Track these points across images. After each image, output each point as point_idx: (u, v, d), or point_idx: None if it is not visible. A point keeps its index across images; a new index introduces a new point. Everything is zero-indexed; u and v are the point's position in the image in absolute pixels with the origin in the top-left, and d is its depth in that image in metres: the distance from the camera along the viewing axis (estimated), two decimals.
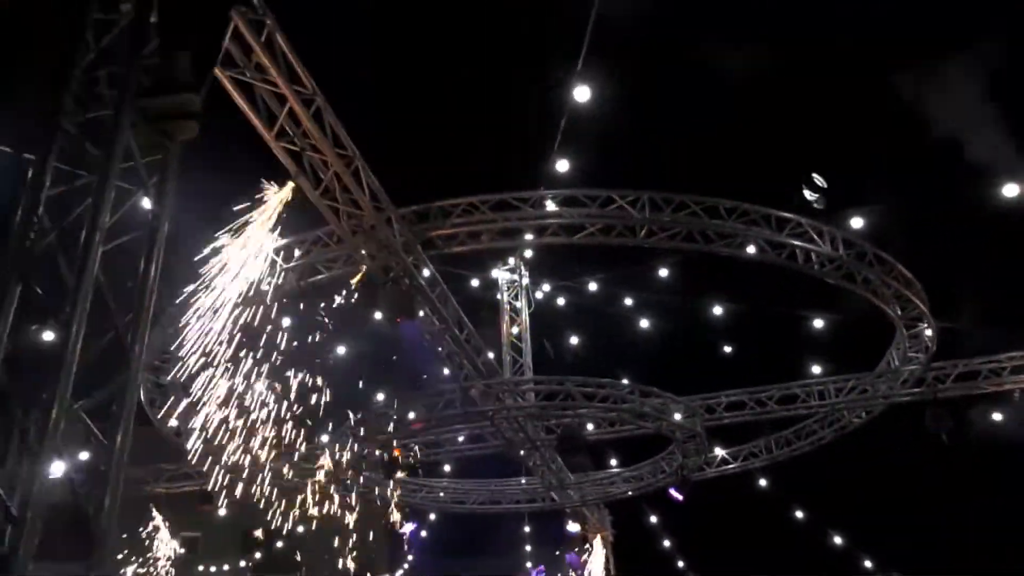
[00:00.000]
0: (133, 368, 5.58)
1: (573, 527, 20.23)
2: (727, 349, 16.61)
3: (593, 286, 16.11)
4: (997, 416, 15.75)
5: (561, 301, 17.46)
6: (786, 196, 11.76)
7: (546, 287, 17.17)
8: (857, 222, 11.59)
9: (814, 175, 11.72)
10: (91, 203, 5.17)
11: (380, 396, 15.46)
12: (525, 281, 17.23)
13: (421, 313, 12.85)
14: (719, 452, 19.64)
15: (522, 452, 17.04)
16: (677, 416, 14.99)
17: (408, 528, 19.07)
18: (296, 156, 8.78)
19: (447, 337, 12.78)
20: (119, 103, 5.00)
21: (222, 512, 20.43)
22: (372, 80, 9.93)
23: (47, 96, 5.08)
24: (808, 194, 11.81)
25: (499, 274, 17.12)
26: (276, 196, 8.35)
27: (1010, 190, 10.17)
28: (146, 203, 5.80)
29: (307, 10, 8.42)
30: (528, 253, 15.20)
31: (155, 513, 16.51)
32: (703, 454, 16.53)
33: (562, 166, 10.09)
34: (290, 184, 8.35)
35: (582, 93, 8.41)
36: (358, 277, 10.04)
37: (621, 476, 19.22)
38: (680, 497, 17.21)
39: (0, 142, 5.80)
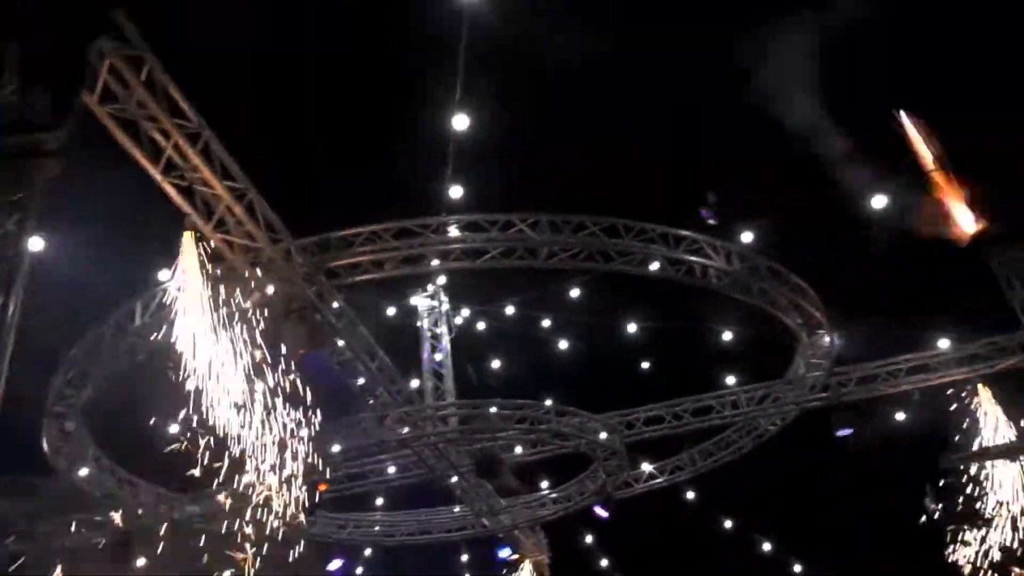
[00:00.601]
0: None
1: (505, 553, 20.23)
2: (643, 365, 17.01)
3: (511, 309, 16.38)
4: (898, 416, 16.46)
5: (481, 326, 17.65)
6: (681, 214, 12.22)
7: (465, 312, 17.33)
8: (748, 237, 12.10)
9: (708, 193, 12.26)
10: None
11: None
12: (445, 307, 17.37)
13: (339, 343, 12.91)
14: (646, 467, 19.97)
15: (451, 479, 17.06)
16: (603, 434, 15.28)
17: (336, 564, 18.81)
18: (186, 192, 8.80)
19: (360, 367, 12.80)
20: None
21: (142, 562, 19.82)
22: (262, 113, 10.01)
23: None
24: (703, 212, 12.34)
25: (418, 301, 17.23)
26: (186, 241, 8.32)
27: (878, 201, 10.81)
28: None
29: (192, 42, 8.49)
30: (442, 279, 15.35)
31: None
32: (625, 470, 16.82)
33: (456, 192, 10.33)
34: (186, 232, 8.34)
35: (461, 121, 8.68)
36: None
37: (549, 498, 19.36)
38: (606, 514, 17.44)
39: None
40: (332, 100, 10.33)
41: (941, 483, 14.34)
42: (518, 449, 17.71)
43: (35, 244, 7.50)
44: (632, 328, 16.54)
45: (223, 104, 8.39)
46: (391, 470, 17.85)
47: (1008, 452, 13.73)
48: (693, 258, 12.32)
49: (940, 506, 13.84)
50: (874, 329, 15.11)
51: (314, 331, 10.42)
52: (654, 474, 19.96)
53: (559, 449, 16.97)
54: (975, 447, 14.40)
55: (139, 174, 8.28)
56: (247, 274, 10.29)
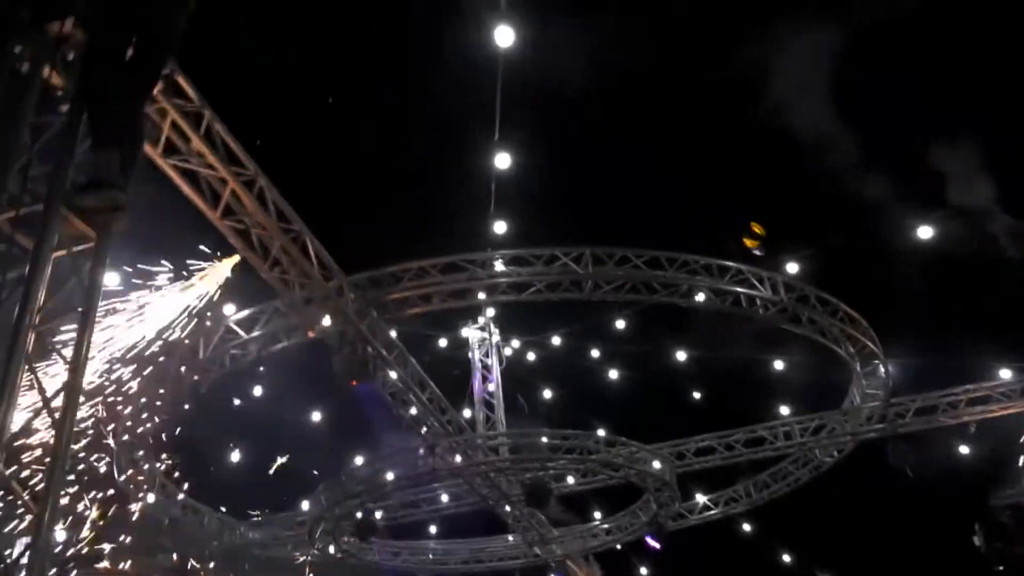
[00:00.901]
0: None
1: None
2: (694, 396, 16.96)
3: (558, 340, 16.60)
4: (962, 448, 16.02)
5: (531, 356, 17.92)
6: (725, 245, 12.29)
7: (516, 343, 17.61)
8: (794, 267, 12.09)
9: (752, 224, 12.29)
10: (23, 289, 5.64)
11: (357, 459, 15.81)
12: (495, 338, 17.64)
13: (393, 375, 13.29)
14: (700, 499, 19.81)
15: (506, 508, 17.24)
16: (655, 464, 15.28)
17: None
18: (244, 234, 9.32)
19: (411, 397, 13.15)
20: (50, 198, 5.52)
21: None
22: (314, 156, 10.55)
23: None
24: (747, 242, 12.37)
25: (469, 332, 17.56)
26: (219, 270, 8.84)
27: (924, 232, 10.72)
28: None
29: (243, 89, 9.05)
30: (491, 311, 15.65)
31: None
32: (676, 501, 16.70)
33: (500, 227, 10.65)
34: (233, 258, 8.84)
35: (503, 160, 9.02)
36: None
37: (601, 528, 19.32)
38: (657, 545, 17.32)
39: None
40: (375, 141, 10.80)
41: (992, 520, 13.86)
42: (570, 479, 17.81)
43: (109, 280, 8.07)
44: (683, 358, 16.58)
45: (275, 149, 8.90)
46: (444, 499, 18.15)
47: None
48: (739, 289, 12.34)
49: (986, 543, 13.36)
50: (931, 358, 14.82)
51: (365, 363, 10.80)
52: (708, 505, 19.76)
53: (610, 480, 17.00)
54: None
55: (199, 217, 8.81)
56: (301, 310, 10.76)
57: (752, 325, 13.90)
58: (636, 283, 11.92)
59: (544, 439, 14.70)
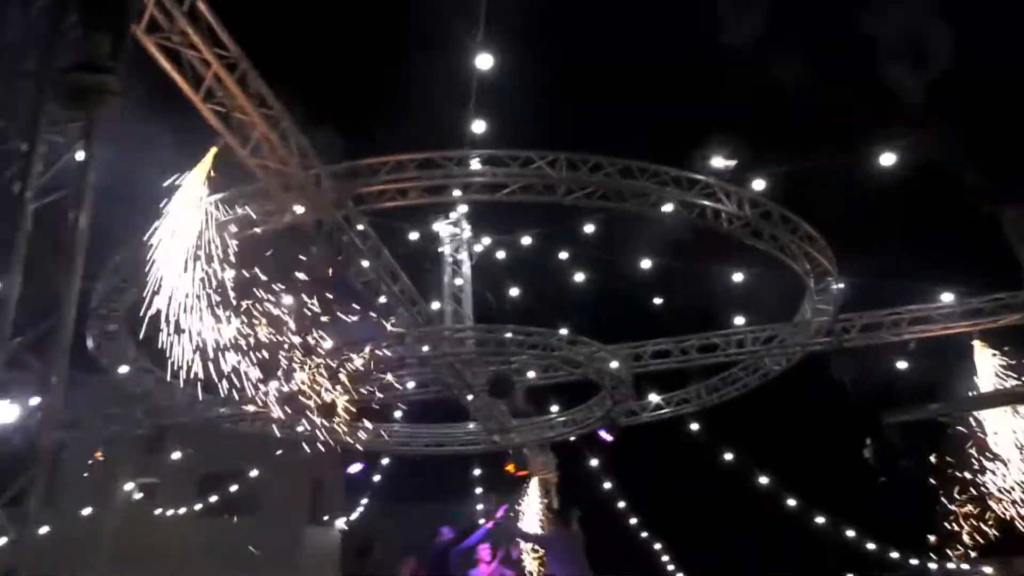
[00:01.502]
0: (64, 311, 6.36)
1: (511, 467, 21.44)
2: (654, 302, 17.63)
3: (529, 240, 17.02)
4: (899, 364, 17.03)
5: (501, 255, 18.37)
6: (695, 158, 12.62)
7: (486, 241, 18.00)
8: (760, 184, 12.50)
9: (721, 141, 12.62)
10: (21, 164, 5.88)
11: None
12: (467, 234, 18.01)
13: (366, 264, 13.66)
14: (653, 398, 20.89)
15: (467, 398, 18.07)
16: (613, 364, 16.04)
17: (356, 468, 20.10)
18: (224, 117, 9.42)
19: (383, 287, 13.59)
20: (41, 76, 5.68)
21: (176, 455, 21.31)
22: (294, 46, 10.52)
23: None
24: (716, 159, 12.71)
25: (441, 227, 17.89)
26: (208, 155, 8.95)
27: (887, 159, 11.14)
28: (79, 156, 6.52)
29: None
30: (464, 208, 15.94)
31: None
32: (631, 398, 17.67)
33: (479, 127, 10.85)
34: (212, 149, 8.94)
35: (484, 60, 9.16)
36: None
37: (558, 420, 20.38)
38: (609, 438, 18.39)
39: None
40: (361, 36, 10.78)
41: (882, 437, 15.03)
42: (531, 374, 18.64)
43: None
44: (647, 266, 17.16)
45: (259, 36, 8.91)
46: (410, 386, 18.91)
47: (991, 400, 14.29)
48: (706, 202, 12.76)
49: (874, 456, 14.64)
50: (880, 279, 15.57)
51: (339, 252, 11.15)
52: (660, 405, 20.88)
53: (569, 376, 17.84)
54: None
55: (183, 104, 8.88)
56: (278, 196, 10.98)
57: (715, 238, 14.46)
58: (608, 190, 12.26)
59: (508, 335, 15.33)
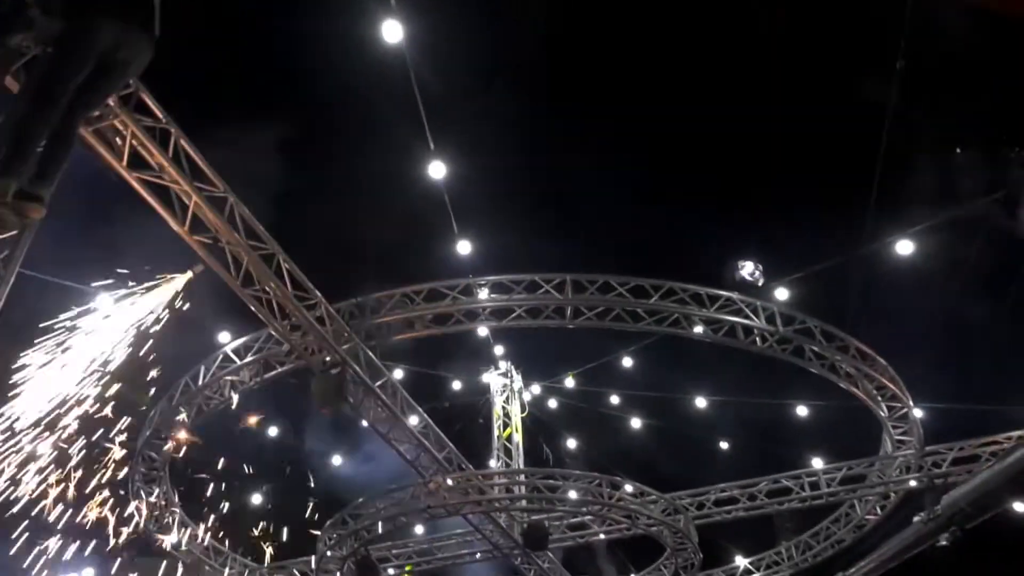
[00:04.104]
0: None
1: None
2: (715, 440, 16.30)
3: (572, 383, 16.39)
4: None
5: (553, 403, 17.74)
6: (716, 275, 11.99)
7: (536, 389, 17.48)
8: (783, 293, 11.62)
9: (742, 260, 11.96)
10: None
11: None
12: (517, 384, 17.51)
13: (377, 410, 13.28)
14: (740, 562, 18.77)
15: (516, 559, 16.70)
16: (661, 510, 14.53)
17: None
18: (216, 249, 9.71)
19: (406, 432, 13.12)
20: None
21: None
22: (289, 185, 10.99)
23: None
24: (741, 272, 12.02)
25: (490, 378, 17.50)
26: (172, 283, 9.12)
27: (903, 247, 10.12)
28: None
29: (212, 109, 9.58)
30: (499, 350, 15.62)
31: None
32: (697, 554, 15.79)
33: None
34: (187, 274, 9.14)
35: (437, 169, 9.20)
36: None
37: None
38: None
39: None
40: (346, 166, 11.19)
41: None
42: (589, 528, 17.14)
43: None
44: (703, 404, 16.06)
45: (245, 169, 9.34)
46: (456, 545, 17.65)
47: None
48: (732, 318, 11.93)
49: None
50: (962, 395, 13.72)
51: (341, 388, 10.90)
52: (750, 569, 18.67)
53: (629, 530, 16.27)
54: None
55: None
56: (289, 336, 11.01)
57: (776, 366, 13.31)
58: (620, 311, 11.70)
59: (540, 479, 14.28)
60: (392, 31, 8.78)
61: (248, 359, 12.27)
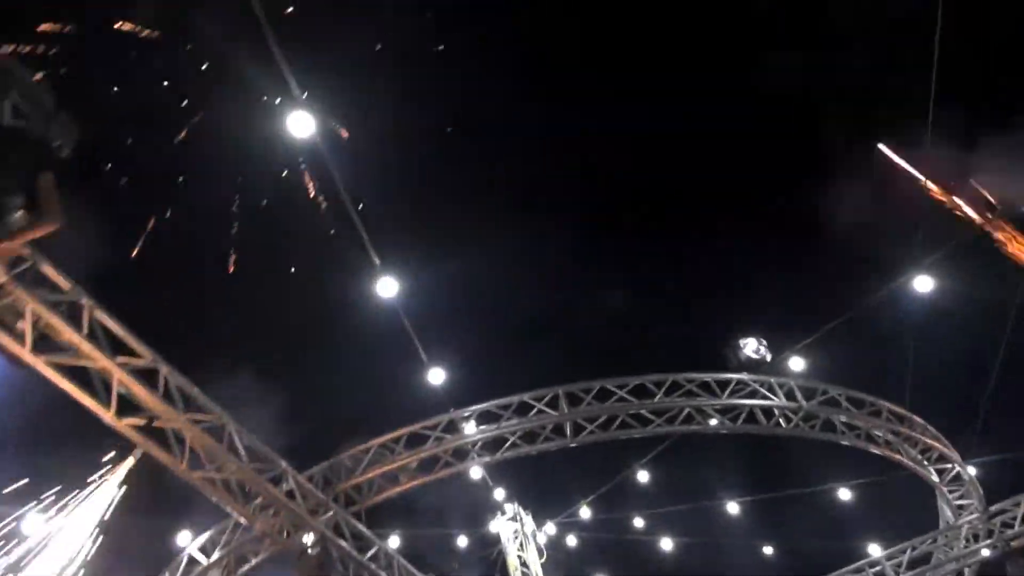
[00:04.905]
0: None
1: None
2: (758, 549, 14.59)
3: (588, 512, 14.79)
4: None
5: (572, 541, 16.05)
6: (720, 359, 10.87)
7: (550, 528, 15.81)
8: (799, 363, 10.47)
9: (742, 338, 10.96)
10: None
11: None
12: (529, 527, 15.81)
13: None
14: None
15: None
16: None
17: None
18: (152, 431, 8.41)
19: None
20: None
21: None
22: (225, 339, 9.86)
23: None
24: (744, 352, 10.95)
25: (500, 525, 15.83)
26: (111, 478, 7.82)
27: (922, 283, 9.14)
28: None
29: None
30: (501, 493, 14.09)
31: None
32: None
33: (436, 376, 9.53)
34: (127, 462, 7.85)
35: (387, 288, 8.14)
36: None
37: None
38: None
39: None
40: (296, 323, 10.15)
41: None
42: None
43: None
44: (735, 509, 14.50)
45: (175, 331, 8.23)
46: None
47: None
48: (748, 401, 10.69)
49: None
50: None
51: (323, 565, 9.33)
52: None
53: None
54: None
55: None
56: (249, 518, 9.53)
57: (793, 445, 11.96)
58: (625, 417, 10.41)
59: None
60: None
61: (216, 555, 10.60)
